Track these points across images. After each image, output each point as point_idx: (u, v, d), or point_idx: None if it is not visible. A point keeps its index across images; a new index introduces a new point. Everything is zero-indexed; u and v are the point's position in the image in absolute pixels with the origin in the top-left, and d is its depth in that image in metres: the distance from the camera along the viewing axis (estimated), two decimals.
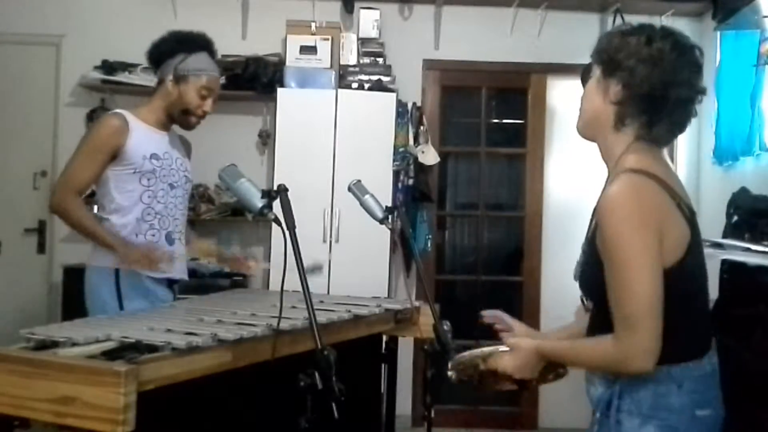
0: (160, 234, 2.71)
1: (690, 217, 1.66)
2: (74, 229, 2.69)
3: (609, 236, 1.58)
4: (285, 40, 4.56)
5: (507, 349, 1.82)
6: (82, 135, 2.75)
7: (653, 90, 1.65)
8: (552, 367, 1.83)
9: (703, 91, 1.69)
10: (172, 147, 2.81)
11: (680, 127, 1.71)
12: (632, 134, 1.69)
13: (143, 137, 2.70)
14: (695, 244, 1.65)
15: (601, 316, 1.69)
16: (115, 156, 2.64)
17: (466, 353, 1.89)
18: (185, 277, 2.86)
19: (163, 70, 2.74)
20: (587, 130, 1.78)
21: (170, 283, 2.79)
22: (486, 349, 1.85)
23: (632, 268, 1.55)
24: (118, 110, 2.78)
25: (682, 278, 1.61)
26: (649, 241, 1.56)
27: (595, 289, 1.68)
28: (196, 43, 2.76)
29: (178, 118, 2.77)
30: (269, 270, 3.02)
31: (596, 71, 1.74)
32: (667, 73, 1.64)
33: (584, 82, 1.84)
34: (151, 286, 2.68)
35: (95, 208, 2.79)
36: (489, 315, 2.04)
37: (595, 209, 1.70)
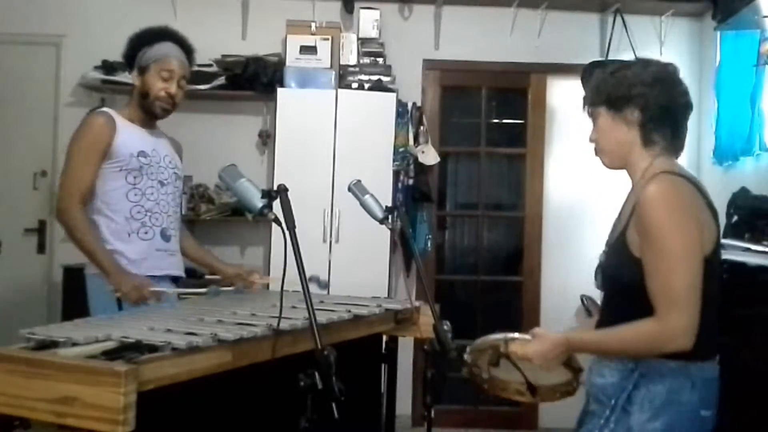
0: (154, 231, 2.71)
1: (716, 217, 1.82)
2: (74, 243, 2.63)
3: (655, 227, 1.71)
4: (285, 40, 4.56)
5: (529, 338, 1.91)
6: (70, 139, 2.71)
7: (669, 102, 1.85)
8: (565, 377, 1.91)
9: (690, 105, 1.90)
10: (160, 145, 2.82)
11: (686, 132, 1.91)
12: (659, 147, 1.86)
13: (130, 135, 2.71)
14: (719, 244, 1.80)
15: (613, 310, 1.82)
16: (105, 153, 2.65)
17: (489, 337, 1.99)
18: (182, 273, 2.86)
19: (132, 68, 2.79)
20: (616, 161, 1.93)
21: (172, 279, 2.79)
22: (509, 335, 1.95)
23: (678, 254, 1.69)
24: (103, 108, 2.82)
25: (709, 274, 1.74)
26: (692, 230, 1.72)
27: (616, 282, 1.84)
28: (156, 35, 2.78)
29: (145, 107, 2.74)
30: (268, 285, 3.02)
31: (602, 113, 1.90)
32: (671, 86, 1.86)
33: (584, 82, 1.97)
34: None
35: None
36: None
37: (620, 213, 1.90)
